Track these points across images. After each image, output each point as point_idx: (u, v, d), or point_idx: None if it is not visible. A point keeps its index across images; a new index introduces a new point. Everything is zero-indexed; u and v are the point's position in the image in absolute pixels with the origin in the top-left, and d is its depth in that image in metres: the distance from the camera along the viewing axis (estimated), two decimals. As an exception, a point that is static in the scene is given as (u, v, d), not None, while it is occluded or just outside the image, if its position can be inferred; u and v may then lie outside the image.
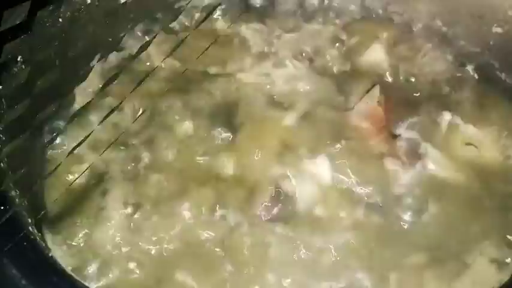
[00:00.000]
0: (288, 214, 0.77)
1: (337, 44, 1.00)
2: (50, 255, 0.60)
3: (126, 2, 0.92)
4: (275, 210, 0.77)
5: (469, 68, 0.98)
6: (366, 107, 0.87)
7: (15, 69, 0.78)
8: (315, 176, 0.80)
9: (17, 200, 0.65)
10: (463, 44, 0.99)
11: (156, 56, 0.94)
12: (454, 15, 0.98)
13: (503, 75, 0.95)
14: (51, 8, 0.85)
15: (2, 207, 0.62)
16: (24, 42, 0.79)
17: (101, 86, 0.84)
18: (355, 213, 0.77)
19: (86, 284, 0.59)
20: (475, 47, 0.97)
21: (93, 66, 0.79)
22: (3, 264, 0.57)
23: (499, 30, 0.93)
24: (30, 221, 0.65)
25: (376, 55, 0.98)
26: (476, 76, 0.97)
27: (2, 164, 0.67)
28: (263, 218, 0.76)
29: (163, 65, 0.91)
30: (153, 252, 0.73)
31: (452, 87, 0.94)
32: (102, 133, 0.83)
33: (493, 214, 0.79)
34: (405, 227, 0.78)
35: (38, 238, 0.62)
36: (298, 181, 0.79)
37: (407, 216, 0.78)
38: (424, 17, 1.02)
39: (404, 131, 0.87)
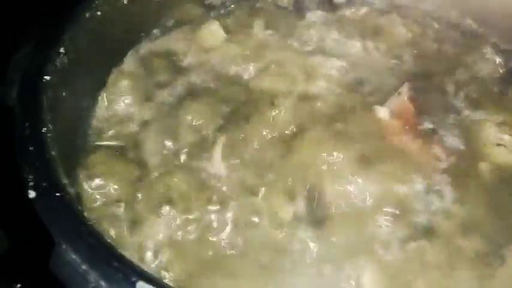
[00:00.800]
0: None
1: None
2: (108, 240, 0.60)
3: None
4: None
5: (502, 66, 0.98)
6: (396, 104, 0.87)
7: (58, 61, 0.79)
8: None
9: (68, 187, 0.66)
10: (495, 42, 1.00)
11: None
12: (485, 14, 1.00)
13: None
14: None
15: (57, 194, 0.63)
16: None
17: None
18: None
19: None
20: (509, 45, 0.98)
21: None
22: (62, 250, 0.58)
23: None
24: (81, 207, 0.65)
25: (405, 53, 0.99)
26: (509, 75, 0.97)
27: (53, 153, 0.68)
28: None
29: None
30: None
31: (486, 86, 0.95)
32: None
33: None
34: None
35: (94, 223, 0.62)
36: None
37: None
38: (453, 15, 1.04)
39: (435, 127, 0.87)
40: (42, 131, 0.69)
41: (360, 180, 0.78)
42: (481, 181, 0.82)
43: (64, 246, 0.58)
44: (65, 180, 0.66)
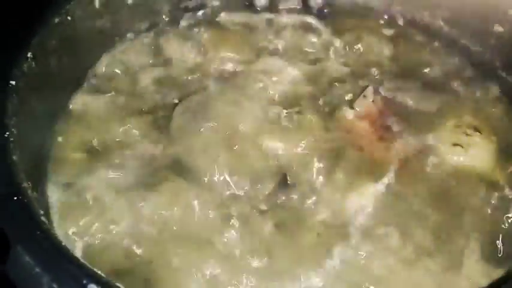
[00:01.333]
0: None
1: (337, 44, 1.02)
2: (63, 243, 0.61)
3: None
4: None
5: (471, 67, 0.99)
6: (361, 106, 0.89)
7: (26, 66, 0.80)
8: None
9: (29, 191, 0.67)
10: (465, 43, 1.01)
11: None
12: (457, 15, 1.00)
13: (504, 74, 0.97)
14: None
15: (16, 198, 0.64)
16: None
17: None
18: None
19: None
20: (477, 47, 0.99)
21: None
22: (17, 253, 0.59)
23: (500, 29, 0.95)
24: (41, 211, 0.66)
25: (376, 55, 1.00)
26: (477, 75, 0.98)
27: (14, 157, 0.69)
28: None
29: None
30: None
31: (450, 87, 0.96)
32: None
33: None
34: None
35: (50, 227, 0.63)
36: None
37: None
38: (427, 17, 1.04)
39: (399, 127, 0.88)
40: (5, 135, 0.70)
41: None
42: (432, 179, 0.83)
43: (19, 249, 0.59)
44: (25, 184, 0.67)
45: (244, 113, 0.87)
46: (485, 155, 0.86)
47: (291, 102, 0.91)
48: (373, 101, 0.89)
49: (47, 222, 0.64)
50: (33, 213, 0.63)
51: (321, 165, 0.82)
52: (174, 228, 0.76)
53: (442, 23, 1.04)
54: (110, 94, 0.93)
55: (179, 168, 0.82)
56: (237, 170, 0.81)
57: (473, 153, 0.84)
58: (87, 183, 0.79)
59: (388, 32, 1.04)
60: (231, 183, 0.80)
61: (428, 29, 1.04)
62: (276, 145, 0.85)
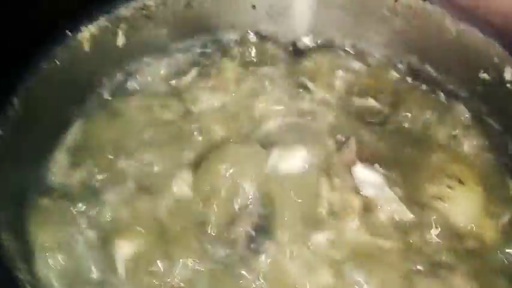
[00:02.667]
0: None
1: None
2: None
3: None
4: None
5: (458, 112, 0.99)
6: (344, 157, 0.88)
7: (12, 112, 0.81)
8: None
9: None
10: (452, 89, 1.01)
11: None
12: (443, 61, 1.01)
13: (490, 121, 0.97)
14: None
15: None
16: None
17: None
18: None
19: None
20: (465, 92, 0.99)
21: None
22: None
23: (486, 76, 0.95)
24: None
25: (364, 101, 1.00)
26: (465, 121, 0.98)
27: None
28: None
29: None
30: None
31: (436, 132, 0.96)
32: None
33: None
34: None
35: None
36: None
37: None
38: (414, 61, 1.05)
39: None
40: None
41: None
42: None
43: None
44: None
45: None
46: (469, 208, 0.84)
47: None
48: (356, 152, 0.89)
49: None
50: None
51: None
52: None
53: (430, 68, 1.04)
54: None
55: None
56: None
57: (456, 207, 0.83)
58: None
59: (373, 75, 1.04)
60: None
61: (417, 74, 1.05)
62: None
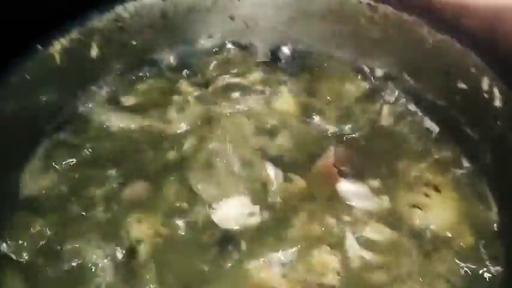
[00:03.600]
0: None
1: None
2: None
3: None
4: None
5: (435, 122, 0.99)
6: (322, 167, 0.88)
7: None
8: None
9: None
10: (430, 98, 1.00)
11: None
12: (421, 70, 1.00)
13: (468, 130, 0.96)
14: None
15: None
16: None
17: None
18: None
19: None
20: (442, 101, 0.99)
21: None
22: None
23: (463, 86, 0.95)
24: None
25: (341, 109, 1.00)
26: (440, 131, 0.98)
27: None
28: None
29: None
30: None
31: (415, 141, 0.96)
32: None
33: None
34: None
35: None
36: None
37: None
38: (392, 71, 1.04)
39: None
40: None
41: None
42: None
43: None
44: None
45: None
46: (446, 215, 0.85)
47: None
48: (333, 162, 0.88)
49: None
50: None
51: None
52: None
53: (407, 77, 1.03)
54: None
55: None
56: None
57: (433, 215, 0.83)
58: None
59: (354, 85, 1.04)
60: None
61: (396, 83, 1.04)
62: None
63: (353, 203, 0.84)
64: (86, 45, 0.96)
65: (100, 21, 0.97)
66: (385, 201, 0.85)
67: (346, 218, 0.83)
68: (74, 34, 0.94)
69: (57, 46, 0.92)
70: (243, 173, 0.87)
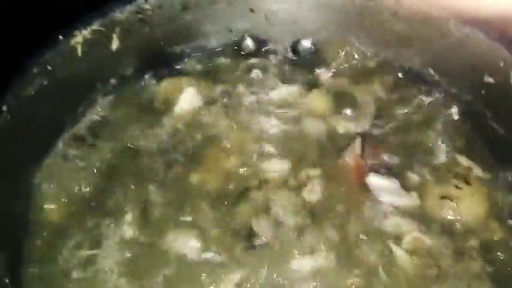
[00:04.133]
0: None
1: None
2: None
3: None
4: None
5: (461, 116, 0.98)
6: (349, 158, 0.87)
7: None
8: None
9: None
10: (455, 92, 0.99)
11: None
12: (446, 64, 0.99)
13: (494, 125, 0.94)
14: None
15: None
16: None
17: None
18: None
19: None
20: (468, 95, 0.97)
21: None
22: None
23: (490, 80, 0.93)
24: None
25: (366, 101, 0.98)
26: (467, 125, 0.97)
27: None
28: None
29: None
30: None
31: (442, 136, 0.95)
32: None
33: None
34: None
35: None
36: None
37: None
38: (417, 65, 1.03)
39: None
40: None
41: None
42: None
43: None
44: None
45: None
46: (476, 208, 0.83)
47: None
48: (361, 154, 0.87)
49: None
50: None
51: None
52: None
53: (432, 72, 1.02)
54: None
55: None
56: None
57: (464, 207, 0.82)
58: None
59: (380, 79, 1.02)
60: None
61: (420, 78, 1.03)
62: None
63: (382, 198, 0.83)
64: (108, 37, 0.95)
65: (121, 12, 0.95)
66: (414, 197, 0.84)
67: (375, 214, 0.82)
68: (96, 25, 0.92)
69: (79, 38, 0.90)
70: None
